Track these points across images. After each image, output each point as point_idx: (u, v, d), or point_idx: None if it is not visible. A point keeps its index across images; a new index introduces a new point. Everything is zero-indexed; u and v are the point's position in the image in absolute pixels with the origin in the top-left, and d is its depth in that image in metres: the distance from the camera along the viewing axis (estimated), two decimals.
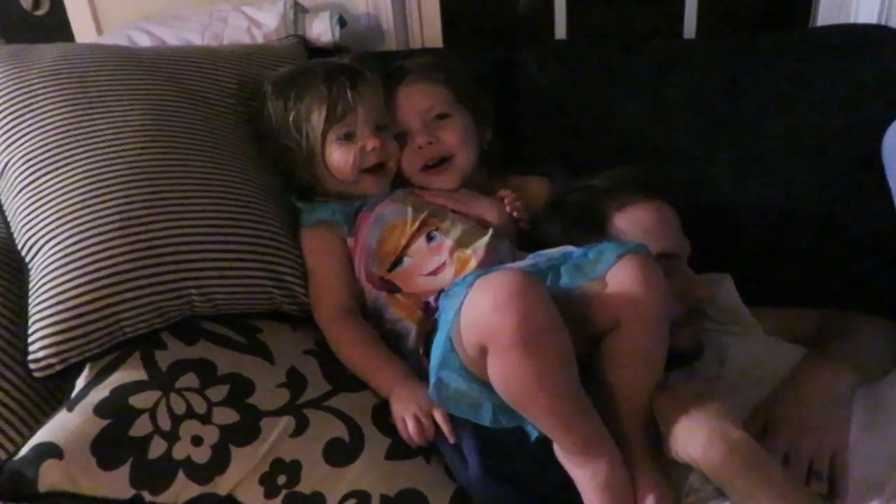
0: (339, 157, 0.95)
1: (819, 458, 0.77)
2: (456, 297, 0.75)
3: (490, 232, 0.93)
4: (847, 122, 1.09)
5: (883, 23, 1.25)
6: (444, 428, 0.83)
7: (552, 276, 0.80)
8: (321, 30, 1.26)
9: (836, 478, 0.77)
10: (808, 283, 1.08)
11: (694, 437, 0.72)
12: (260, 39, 1.26)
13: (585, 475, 0.75)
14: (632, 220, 0.93)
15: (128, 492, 0.74)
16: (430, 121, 1.01)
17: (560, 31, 1.43)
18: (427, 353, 0.83)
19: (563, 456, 0.77)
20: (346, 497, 0.79)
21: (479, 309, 0.71)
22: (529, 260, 0.86)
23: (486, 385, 0.76)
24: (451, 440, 0.83)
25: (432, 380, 0.78)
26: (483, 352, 0.72)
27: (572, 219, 0.95)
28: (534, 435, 0.78)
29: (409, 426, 0.83)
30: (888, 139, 1.02)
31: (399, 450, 0.84)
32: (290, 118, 0.96)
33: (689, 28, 1.40)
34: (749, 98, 1.12)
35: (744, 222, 1.10)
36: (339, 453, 0.81)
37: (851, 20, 1.32)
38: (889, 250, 1.07)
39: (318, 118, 0.95)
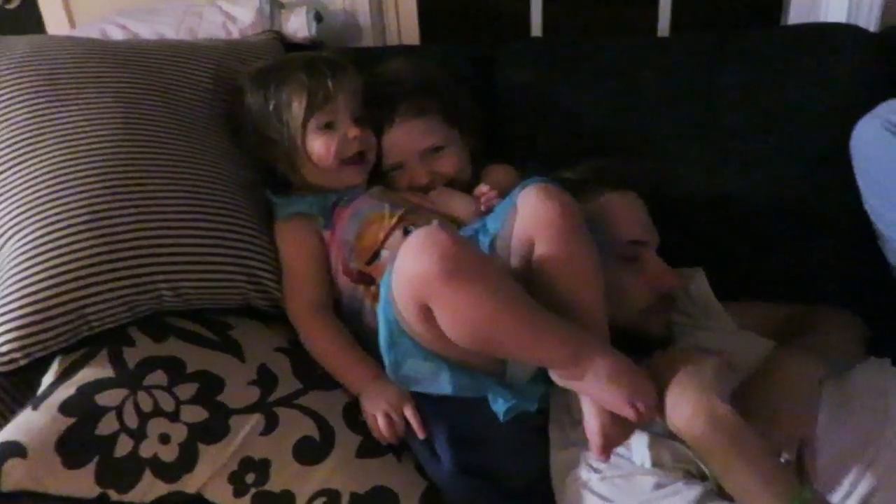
0: (320, 145, 0.95)
1: (788, 448, 0.77)
2: (388, 276, 0.77)
3: None
4: (817, 119, 1.10)
5: (852, 22, 1.27)
6: (414, 423, 0.83)
7: (482, 233, 0.84)
8: (297, 25, 1.25)
9: (804, 467, 0.77)
10: (779, 278, 1.09)
11: (680, 408, 0.73)
12: (236, 34, 1.25)
13: (589, 382, 0.71)
14: (601, 210, 0.93)
15: (93, 490, 0.73)
16: (427, 155, 1.01)
17: (536, 30, 1.43)
18: None
19: (561, 378, 0.74)
20: (315, 495, 0.79)
21: (402, 268, 0.73)
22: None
23: (438, 356, 0.77)
24: (421, 435, 0.83)
25: (386, 362, 0.80)
26: (423, 313, 0.73)
27: None
28: (502, 410, 0.78)
29: (379, 423, 0.83)
30: (856, 137, 1.03)
31: (370, 448, 0.84)
32: (271, 107, 0.95)
33: (664, 25, 1.41)
34: (721, 94, 1.13)
35: (715, 217, 1.10)
36: (310, 451, 0.81)
37: (821, 19, 1.34)
38: (855, 245, 1.08)
39: (298, 106, 0.94)
